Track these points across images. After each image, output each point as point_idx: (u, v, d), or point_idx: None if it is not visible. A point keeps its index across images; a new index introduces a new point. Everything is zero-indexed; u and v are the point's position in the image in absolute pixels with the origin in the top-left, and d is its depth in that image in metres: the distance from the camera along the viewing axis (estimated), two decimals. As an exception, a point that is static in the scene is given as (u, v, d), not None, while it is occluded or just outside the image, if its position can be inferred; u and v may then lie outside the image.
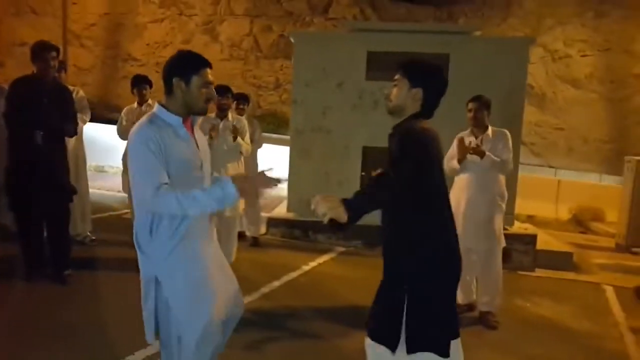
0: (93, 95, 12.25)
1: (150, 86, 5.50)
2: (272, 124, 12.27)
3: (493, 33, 11.80)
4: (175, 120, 2.25)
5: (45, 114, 4.12)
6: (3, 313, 3.79)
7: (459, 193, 4.27)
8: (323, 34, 10.64)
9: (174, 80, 2.22)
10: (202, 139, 2.42)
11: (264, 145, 6.47)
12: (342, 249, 6.27)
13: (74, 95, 4.94)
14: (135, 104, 5.52)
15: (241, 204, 4.93)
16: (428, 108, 2.34)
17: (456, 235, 2.40)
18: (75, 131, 4.54)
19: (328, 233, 6.35)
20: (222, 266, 2.47)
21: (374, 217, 2.21)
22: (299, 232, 6.49)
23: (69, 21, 13.29)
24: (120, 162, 5.68)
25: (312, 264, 5.58)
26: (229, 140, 4.71)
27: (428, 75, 2.33)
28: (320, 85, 6.49)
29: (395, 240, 2.32)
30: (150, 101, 5.50)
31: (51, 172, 4.19)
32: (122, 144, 5.62)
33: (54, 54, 4.18)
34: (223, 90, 4.75)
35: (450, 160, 4.23)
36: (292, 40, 6.64)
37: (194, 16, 13.72)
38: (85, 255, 5.17)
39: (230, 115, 4.86)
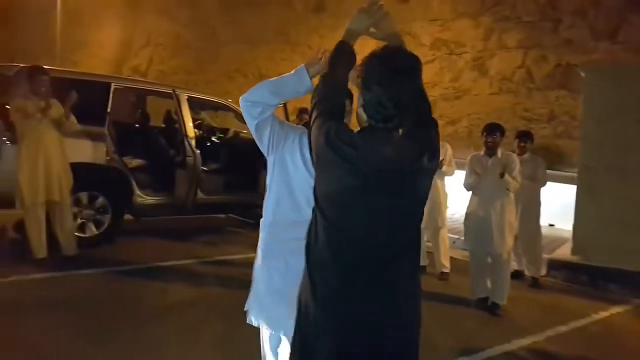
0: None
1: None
2: (546, 159, 11.63)
3: None
4: None
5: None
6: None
7: None
8: (619, 66, 9.71)
9: None
10: None
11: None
12: (639, 301, 5.56)
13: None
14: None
15: (509, 241, 4.89)
16: (369, 114, 1.70)
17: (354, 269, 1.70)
18: None
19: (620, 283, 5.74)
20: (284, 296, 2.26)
21: None
22: (585, 277, 5.98)
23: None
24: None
25: (604, 313, 5.09)
26: (496, 177, 4.75)
27: (366, 62, 1.71)
28: (615, 121, 5.96)
29: None
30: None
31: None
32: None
33: None
34: (492, 128, 4.95)
35: None
36: (581, 74, 6.31)
37: (464, 54, 13.99)
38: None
39: (499, 152, 4.91)
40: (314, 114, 1.75)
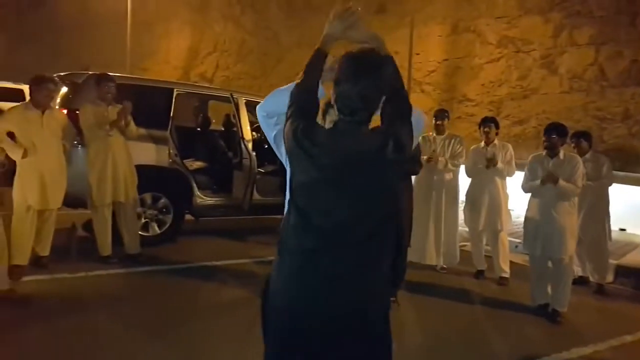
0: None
1: (497, 127, 5.70)
2: (619, 160, 10.97)
3: None
4: None
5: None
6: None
7: None
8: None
9: None
10: None
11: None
12: None
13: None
14: (482, 144, 5.76)
15: (571, 245, 4.69)
16: (338, 107, 1.89)
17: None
18: (417, 171, 5.07)
19: None
20: None
21: None
22: (656, 285, 5.63)
23: (412, 70, 14.82)
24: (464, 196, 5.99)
25: (676, 324, 4.76)
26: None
27: (339, 61, 1.92)
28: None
29: None
30: (496, 141, 5.69)
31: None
32: (466, 181, 5.95)
33: None
34: (549, 129, 4.82)
35: None
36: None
37: (532, 51, 13.47)
38: (432, 281, 5.57)
39: (561, 154, 4.75)
40: (289, 114, 1.94)
